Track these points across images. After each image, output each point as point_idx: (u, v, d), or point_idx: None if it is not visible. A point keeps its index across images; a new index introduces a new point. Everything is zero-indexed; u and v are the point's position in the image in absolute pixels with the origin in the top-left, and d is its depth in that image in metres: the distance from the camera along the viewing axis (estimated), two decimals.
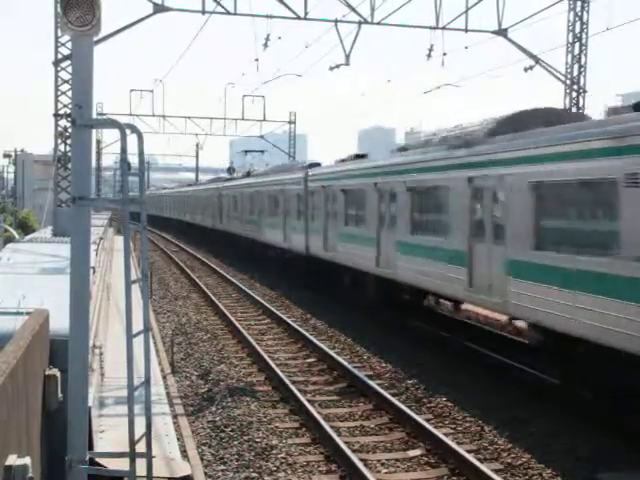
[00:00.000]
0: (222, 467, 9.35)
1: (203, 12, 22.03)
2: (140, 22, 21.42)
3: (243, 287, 26.00)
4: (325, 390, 13.23)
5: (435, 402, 12.12)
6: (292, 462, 9.51)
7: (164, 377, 13.15)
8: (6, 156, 70.35)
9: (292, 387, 12.55)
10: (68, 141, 20.53)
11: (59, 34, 20.21)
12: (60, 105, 20.80)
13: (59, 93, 20.77)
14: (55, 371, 6.36)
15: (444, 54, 23.68)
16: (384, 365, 14.65)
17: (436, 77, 27.07)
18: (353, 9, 22.44)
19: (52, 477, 6.36)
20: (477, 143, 14.19)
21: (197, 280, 28.28)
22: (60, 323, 6.45)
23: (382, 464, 9.59)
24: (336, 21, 22.79)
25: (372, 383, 12.85)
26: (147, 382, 5.47)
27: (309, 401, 11.95)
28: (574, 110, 23.58)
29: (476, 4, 22.59)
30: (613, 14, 24.20)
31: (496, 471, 8.92)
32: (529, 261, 11.97)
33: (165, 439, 8.52)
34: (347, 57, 23.32)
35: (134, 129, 5.53)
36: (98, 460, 6.28)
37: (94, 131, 5.83)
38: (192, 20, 27.98)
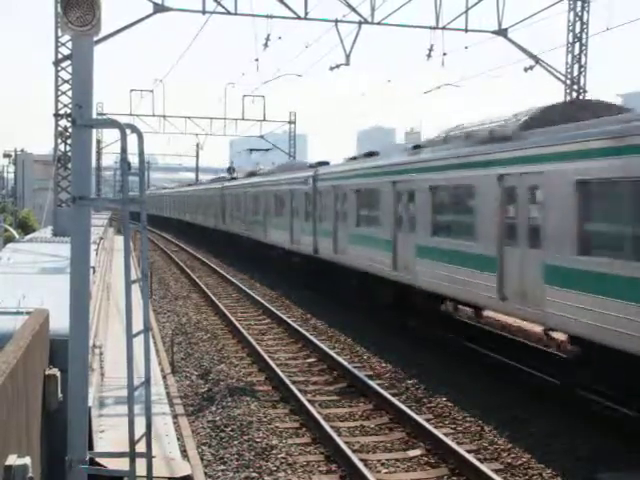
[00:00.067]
0: (222, 467, 9.36)
1: (203, 12, 22.03)
2: (140, 22, 21.43)
3: (243, 287, 25.98)
4: (325, 390, 13.22)
5: (435, 402, 12.12)
6: (292, 462, 9.51)
7: (164, 377, 13.15)
8: (6, 156, 70.32)
9: (292, 387, 12.55)
10: (68, 141, 20.57)
11: (59, 34, 20.26)
12: (60, 105, 20.85)
13: (59, 93, 20.81)
14: (55, 371, 6.36)
15: (444, 54, 23.69)
16: (384, 365, 14.65)
17: (436, 77, 27.23)
18: (353, 9, 22.44)
19: (52, 477, 6.36)
20: (510, 138, 12.86)
21: (197, 280, 28.27)
22: (60, 323, 6.45)
23: (382, 464, 9.59)
24: (336, 21, 22.78)
25: (372, 383, 12.84)
26: (147, 382, 5.48)
27: (309, 401, 11.95)
28: None
29: (476, 4, 22.58)
30: (613, 14, 24.25)
31: (496, 471, 8.92)
32: (571, 267, 10.81)
33: (165, 439, 8.52)
34: (347, 57, 23.31)
35: (134, 129, 5.53)
36: (98, 460, 6.28)
37: (94, 131, 5.84)
38: (192, 20, 28.12)
